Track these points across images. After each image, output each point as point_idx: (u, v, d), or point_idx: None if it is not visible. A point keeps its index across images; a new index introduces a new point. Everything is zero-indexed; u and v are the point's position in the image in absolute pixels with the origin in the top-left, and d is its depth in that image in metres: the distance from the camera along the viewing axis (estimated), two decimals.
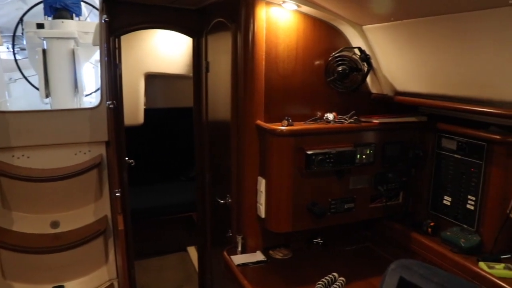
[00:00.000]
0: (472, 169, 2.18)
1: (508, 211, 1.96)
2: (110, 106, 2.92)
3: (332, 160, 2.17)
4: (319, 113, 2.35)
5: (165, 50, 4.44)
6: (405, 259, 1.67)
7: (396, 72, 2.28)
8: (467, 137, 2.19)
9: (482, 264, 1.99)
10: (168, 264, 4.69)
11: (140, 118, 4.51)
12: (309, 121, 2.27)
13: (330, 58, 2.29)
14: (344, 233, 2.58)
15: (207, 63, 3.00)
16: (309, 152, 2.12)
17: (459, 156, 2.25)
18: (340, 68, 2.23)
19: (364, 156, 2.30)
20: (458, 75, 1.96)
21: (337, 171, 2.25)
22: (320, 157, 2.13)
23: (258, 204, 2.31)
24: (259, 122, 2.24)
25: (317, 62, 2.31)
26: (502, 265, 1.98)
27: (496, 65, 1.73)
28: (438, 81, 2.10)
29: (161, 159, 5.35)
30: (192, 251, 4.69)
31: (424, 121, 2.40)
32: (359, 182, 2.36)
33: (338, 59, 2.25)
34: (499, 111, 1.84)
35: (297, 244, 2.47)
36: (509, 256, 2.07)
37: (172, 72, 4.52)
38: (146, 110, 4.61)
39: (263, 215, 2.27)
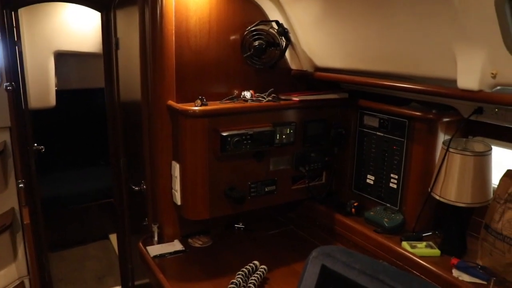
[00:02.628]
0: (394, 147, 2.15)
1: (429, 189, 1.94)
2: (8, 88, 2.60)
3: (249, 141, 2.04)
4: (236, 92, 2.21)
5: (76, 26, 4.10)
6: (327, 246, 1.59)
7: (315, 47, 2.17)
8: (389, 114, 2.14)
9: (405, 244, 1.97)
10: (90, 254, 4.44)
11: (51, 101, 4.15)
12: (225, 100, 2.12)
13: (246, 33, 2.13)
14: (267, 216, 2.49)
15: (117, 40, 2.76)
16: (224, 134, 1.98)
17: (382, 134, 2.21)
18: (256, 43, 2.09)
19: (284, 136, 2.19)
20: (378, 50, 1.88)
21: (256, 152, 2.13)
22: (237, 139, 1.99)
23: (173, 191, 2.15)
24: (171, 102, 2.06)
25: (232, 37, 2.15)
26: (424, 243, 1.97)
27: (416, 40, 1.67)
28: (359, 56, 2.03)
29: (78, 143, 5.00)
30: (115, 239, 4.46)
31: (345, 98, 2.34)
32: (280, 163, 2.26)
33: (255, 33, 2.10)
34: (419, 87, 1.79)
35: (217, 230, 2.34)
36: (430, 233, 2.07)
37: (85, 50, 4.20)
38: (58, 92, 4.26)
39: (179, 202, 2.11)
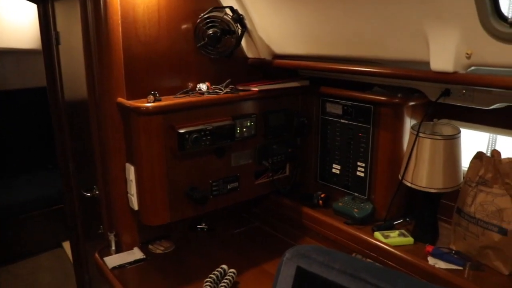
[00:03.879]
0: (360, 134, 2.07)
1: (400, 176, 1.88)
2: None
3: (209, 137, 1.90)
4: (190, 84, 2.06)
5: (11, 20, 3.78)
6: (301, 245, 1.49)
7: (273, 33, 2.05)
8: (353, 100, 2.06)
9: (377, 234, 1.90)
10: (42, 265, 4.16)
11: None
12: (180, 94, 1.97)
13: (198, 21, 1.98)
14: (231, 214, 2.37)
15: (57, 34, 2.53)
16: (181, 131, 1.83)
17: (346, 121, 2.12)
18: (210, 31, 1.94)
19: (244, 129, 2.07)
20: (342, 34, 1.78)
21: (216, 149, 2.00)
22: (195, 135, 1.85)
23: (129, 195, 1.98)
24: (121, 99, 1.88)
25: (184, 26, 2.00)
26: (396, 232, 1.91)
27: (383, 20, 1.57)
28: (321, 41, 1.92)
29: (22, 147, 4.65)
30: (69, 247, 4.20)
31: (306, 85, 2.23)
32: (242, 158, 2.13)
33: (208, 20, 1.95)
34: (388, 71, 1.71)
35: (179, 233, 2.20)
36: (401, 221, 2.02)
37: (23, 47, 3.89)
38: None
39: (136, 207, 1.95)
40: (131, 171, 1.91)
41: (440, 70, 1.39)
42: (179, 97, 1.94)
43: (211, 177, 2.03)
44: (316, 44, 1.93)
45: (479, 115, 1.84)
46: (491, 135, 1.97)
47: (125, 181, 1.98)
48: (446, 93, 1.78)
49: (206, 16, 1.96)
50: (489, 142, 1.99)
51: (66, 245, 4.26)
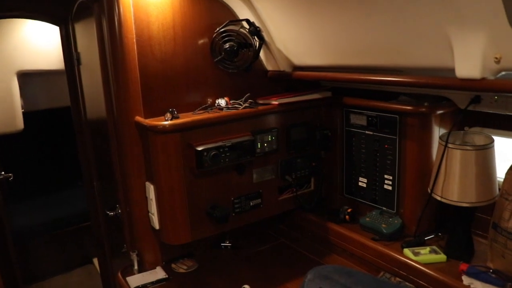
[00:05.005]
0: (386, 146, 1.98)
1: (429, 190, 1.78)
2: None
3: (228, 154, 1.86)
4: (209, 100, 2.02)
5: (39, 42, 3.86)
6: (323, 266, 1.42)
7: (292, 44, 2.00)
8: (378, 111, 1.98)
9: (407, 252, 1.80)
10: (73, 281, 4.18)
11: (19, 124, 3.90)
12: (198, 110, 1.94)
13: (214, 35, 1.95)
14: (255, 230, 2.30)
15: (78, 54, 2.56)
16: (199, 149, 1.79)
17: (371, 132, 2.04)
18: (227, 45, 1.91)
19: (266, 144, 2.01)
20: (361, 42, 1.71)
21: (237, 165, 1.95)
22: (214, 153, 1.80)
23: (150, 214, 1.95)
24: (138, 118, 1.86)
25: (201, 41, 1.97)
26: (427, 248, 1.81)
27: (402, 27, 1.49)
28: (340, 51, 1.85)
29: (51, 167, 4.73)
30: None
31: (328, 97, 2.16)
32: (264, 174, 2.08)
33: (224, 34, 1.92)
34: (411, 80, 1.62)
35: (202, 252, 2.15)
36: (432, 236, 1.91)
37: (51, 68, 3.96)
38: (25, 114, 4.01)
39: (157, 226, 1.92)
40: (151, 190, 1.88)
41: (467, 77, 1.30)
42: (198, 113, 1.91)
43: (232, 194, 1.98)
44: (335, 54, 1.86)
45: (506, 122, 1.73)
46: None
47: (146, 200, 1.95)
48: (476, 100, 1.68)
49: (222, 30, 1.93)
50: None
51: (96, 261, 4.28)
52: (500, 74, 1.29)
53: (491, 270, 1.67)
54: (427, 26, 1.36)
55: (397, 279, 1.74)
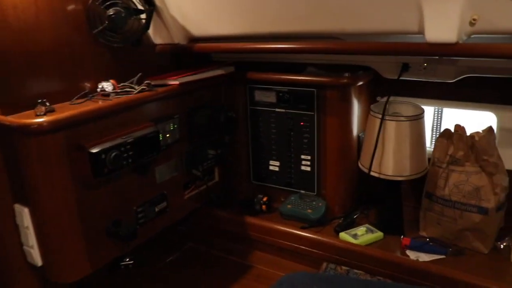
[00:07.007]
0: (302, 123, 1.79)
1: (360, 164, 1.65)
2: None
3: (131, 153, 1.43)
4: (88, 85, 1.55)
5: None
6: (290, 274, 1.15)
7: (192, 10, 1.62)
8: (290, 85, 1.76)
9: (344, 236, 1.66)
10: None
11: None
12: (76, 99, 1.45)
13: None
14: (157, 239, 1.91)
15: None
16: (94, 150, 1.32)
17: (283, 110, 1.82)
18: (111, 11, 1.44)
19: (168, 135, 1.64)
20: (300, 5, 1.41)
21: (138, 166, 1.53)
22: (114, 153, 1.36)
23: (25, 248, 1.41)
24: None
25: (71, 7, 1.46)
26: (363, 229, 1.69)
27: None
28: (262, 15, 1.53)
29: None
30: None
31: (231, 72, 1.86)
32: (168, 171, 1.70)
33: None
34: (321, 46, 1.43)
35: (99, 278, 1.69)
36: (358, 214, 1.80)
37: None
38: None
39: (38, 262, 1.39)
40: (24, 215, 1.35)
41: (441, 41, 1.14)
42: (78, 103, 1.42)
43: (135, 203, 1.56)
44: (256, 19, 1.53)
45: (431, 89, 1.69)
46: (436, 109, 1.84)
47: (14, 230, 1.40)
48: (405, 68, 1.58)
49: None
50: (434, 117, 1.86)
51: None
52: (468, 38, 1.17)
53: (427, 239, 1.63)
54: None
55: (343, 267, 1.59)
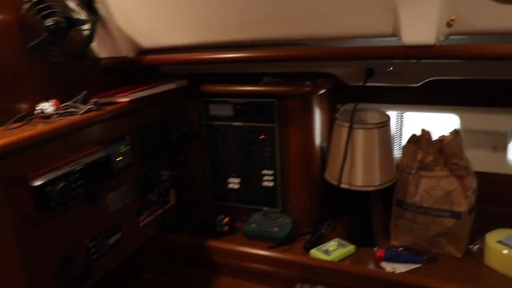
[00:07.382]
0: (262, 136, 1.69)
1: (327, 176, 1.59)
2: None
3: (80, 182, 1.26)
4: (24, 106, 1.36)
5: None
6: None
7: (140, 19, 1.47)
8: (247, 97, 1.66)
9: (315, 253, 1.58)
10: None
11: None
12: (12, 123, 1.26)
13: (26, 7, 1.28)
14: (111, 274, 1.72)
15: None
16: (37, 183, 1.14)
17: (241, 123, 1.72)
18: (50, 21, 1.27)
19: (120, 158, 1.48)
20: (264, 10, 1.31)
21: (89, 195, 1.36)
22: (62, 184, 1.18)
23: None
24: None
25: (1, 17, 1.27)
26: (334, 244, 1.62)
27: None
28: (221, 22, 1.42)
29: None
30: None
31: (184, 86, 1.73)
32: (121, 197, 1.53)
33: (42, 6, 1.27)
34: (284, 53, 1.35)
35: None
36: (325, 228, 1.72)
37: None
38: None
39: None
40: None
41: (419, 43, 1.09)
42: (13, 128, 1.24)
43: (86, 237, 1.39)
44: (215, 27, 1.42)
45: (394, 94, 1.66)
46: (397, 113, 1.82)
47: None
48: (370, 73, 1.54)
49: (37, 0, 1.28)
50: (396, 122, 1.84)
51: None
52: (444, 40, 1.13)
53: (400, 249, 1.59)
54: None
55: (319, 287, 1.50)
